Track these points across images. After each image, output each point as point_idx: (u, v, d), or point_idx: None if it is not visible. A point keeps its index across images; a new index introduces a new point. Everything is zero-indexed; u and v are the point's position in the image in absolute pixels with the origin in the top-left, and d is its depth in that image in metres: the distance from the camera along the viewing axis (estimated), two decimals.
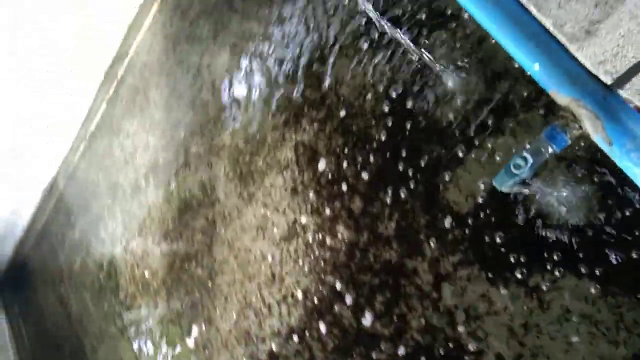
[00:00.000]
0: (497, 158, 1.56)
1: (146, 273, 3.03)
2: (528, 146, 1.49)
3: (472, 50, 1.62)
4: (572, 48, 0.86)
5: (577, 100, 1.01)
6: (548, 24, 0.87)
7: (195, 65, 2.64)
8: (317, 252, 2.09)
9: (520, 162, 1.07)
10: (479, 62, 1.60)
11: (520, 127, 1.52)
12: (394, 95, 1.82)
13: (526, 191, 1.33)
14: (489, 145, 1.58)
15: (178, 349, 2.81)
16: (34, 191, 3.57)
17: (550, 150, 1.07)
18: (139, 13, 2.89)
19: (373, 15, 1.57)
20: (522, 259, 1.48)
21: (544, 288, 1.44)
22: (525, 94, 1.51)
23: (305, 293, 2.12)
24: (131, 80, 3.04)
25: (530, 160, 1.07)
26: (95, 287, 3.55)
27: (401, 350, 1.77)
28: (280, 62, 2.22)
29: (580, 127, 1.03)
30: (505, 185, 1.12)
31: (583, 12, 0.80)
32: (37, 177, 3.51)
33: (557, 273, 1.42)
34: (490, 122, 1.58)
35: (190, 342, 2.73)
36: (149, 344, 3.05)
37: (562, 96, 1.03)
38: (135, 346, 3.19)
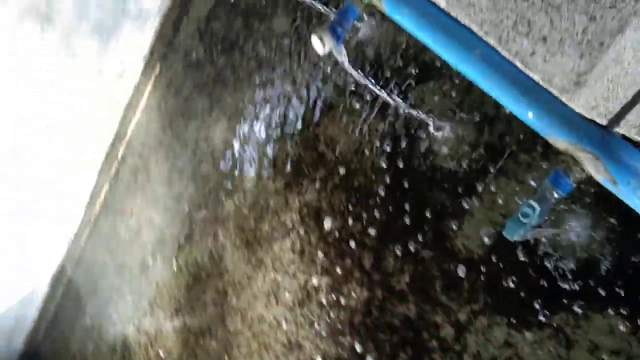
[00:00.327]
0: (502, 200, 1.56)
1: (160, 352, 2.96)
2: (533, 182, 1.50)
3: (462, 98, 1.65)
4: (564, 98, 0.88)
5: (575, 144, 1.02)
6: (536, 78, 0.89)
7: (192, 140, 2.68)
8: (332, 314, 2.05)
9: (527, 210, 1.07)
10: (471, 108, 1.63)
11: (520, 167, 1.53)
12: (390, 149, 1.84)
13: (538, 235, 1.33)
14: (492, 189, 1.58)
15: None
16: (42, 279, 3.55)
17: (555, 195, 1.07)
18: (133, 94, 2.98)
19: (358, 76, 1.62)
20: (541, 301, 1.46)
21: (569, 327, 1.41)
22: (520, 135, 1.53)
23: (324, 358, 2.06)
24: (131, 159, 3.09)
25: (538, 208, 1.07)
26: None
27: None
28: (276, 127, 2.26)
29: (583, 170, 1.04)
30: (516, 235, 1.11)
31: (569, 65, 0.82)
32: (45, 264, 3.50)
33: (579, 310, 1.39)
34: (490, 165, 1.59)
35: None
36: None
37: (559, 141, 1.04)
38: None
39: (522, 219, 1.07)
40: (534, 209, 1.06)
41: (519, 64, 0.91)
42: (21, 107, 2.65)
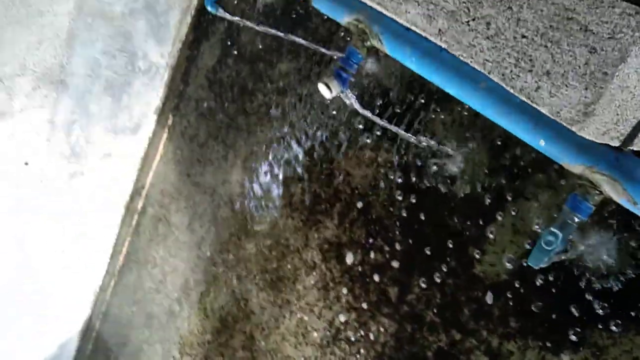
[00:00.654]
0: (523, 223, 1.55)
1: None
2: (552, 201, 1.49)
3: (473, 122, 1.67)
4: (574, 129, 0.89)
5: (591, 167, 1.02)
6: (545, 111, 0.90)
7: (210, 185, 2.73)
8: (362, 350, 2.03)
9: (550, 238, 1.07)
10: (482, 132, 1.64)
11: (539, 187, 1.53)
12: (405, 181, 1.85)
13: (565, 257, 1.31)
14: (512, 212, 1.58)
15: None
16: (70, 335, 3.57)
17: (576, 220, 1.07)
18: (149, 146, 3.05)
19: (367, 114, 1.65)
20: (574, 322, 1.44)
21: (606, 346, 1.38)
22: (534, 155, 1.53)
23: None
24: (151, 209, 3.14)
25: (560, 235, 1.06)
26: None
27: None
28: (290, 167, 2.29)
29: (601, 192, 1.03)
30: (541, 263, 1.11)
31: (576, 97, 0.83)
32: (72, 320, 3.53)
33: (616, 329, 1.36)
34: (507, 188, 1.59)
35: None
36: None
37: (574, 165, 1.05)
38: None
39: (545, 247, 1.07)
40: (556, 236, 1.06)
41: (525, 99, 0.92)
42: (33, 181, 2.72)
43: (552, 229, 1.07)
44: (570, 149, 1.04)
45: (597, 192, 1.04)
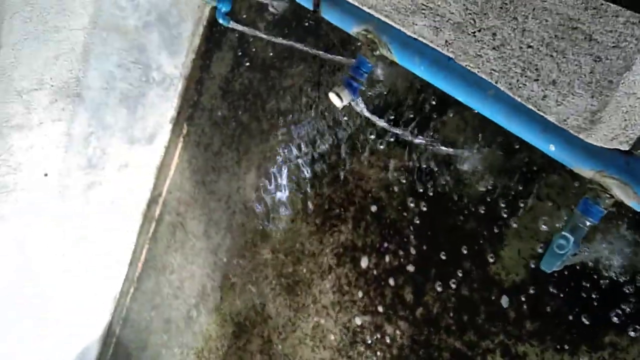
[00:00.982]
0: (537, 225, 1.56)
1: None
2: (565, 202, 1.49)
3: (485, 125, 1.68)
4: (582, 136, 0.90)
5: (601, 171, 1.03)
6: (552, 119, 0.92)
7: (225, 192, 2.76)
8: (379, 352, 2.04)
9: (562, 242, 1.08)
10: (494, 134, 1.65)
11: (552, 188, 1.53)
12: (418, 185, 1.86)
13: (578, 259, 1.32)
14: (525, 214, 1.58)
15: None
16: (91, 340, 3.64)
17: (588, 223, 1.08)
18: (164, 156, 3.10)
19: (378, 121, 1.67)
20: (591, 324, 1.44)
21: (624, 347, 1.38)
22: (547, 158, 1.54)
23: None
24: (168, 217, 3.19)
25: (572, 238, 1.07)
26: None
27: None
28: (303, 172, 2.31)
29: (612, 196, 1.04)
30: (554, 267, 1.12)
31: (582, 105, 0.85)
32: (92, 326, 3.59)
33: (633, 334, 1.36)
34: (520, 190, 1.60)
35: None
36: None
37: (585, 170, 1.05)
38: None
39: (557, 251, 1.08)
40: (568, 239, 1.06)
41: (532, 108, 0.94)
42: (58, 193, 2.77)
43: (563, 232, 1.08)
44: (580, 153, 1.04)
45: (608, 195, 1.05)
